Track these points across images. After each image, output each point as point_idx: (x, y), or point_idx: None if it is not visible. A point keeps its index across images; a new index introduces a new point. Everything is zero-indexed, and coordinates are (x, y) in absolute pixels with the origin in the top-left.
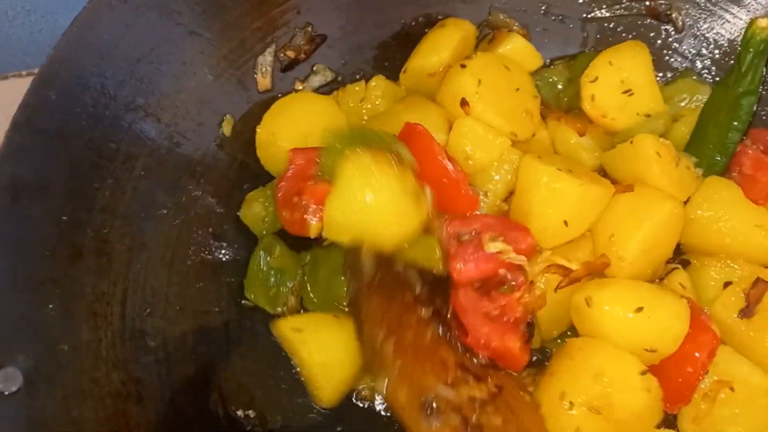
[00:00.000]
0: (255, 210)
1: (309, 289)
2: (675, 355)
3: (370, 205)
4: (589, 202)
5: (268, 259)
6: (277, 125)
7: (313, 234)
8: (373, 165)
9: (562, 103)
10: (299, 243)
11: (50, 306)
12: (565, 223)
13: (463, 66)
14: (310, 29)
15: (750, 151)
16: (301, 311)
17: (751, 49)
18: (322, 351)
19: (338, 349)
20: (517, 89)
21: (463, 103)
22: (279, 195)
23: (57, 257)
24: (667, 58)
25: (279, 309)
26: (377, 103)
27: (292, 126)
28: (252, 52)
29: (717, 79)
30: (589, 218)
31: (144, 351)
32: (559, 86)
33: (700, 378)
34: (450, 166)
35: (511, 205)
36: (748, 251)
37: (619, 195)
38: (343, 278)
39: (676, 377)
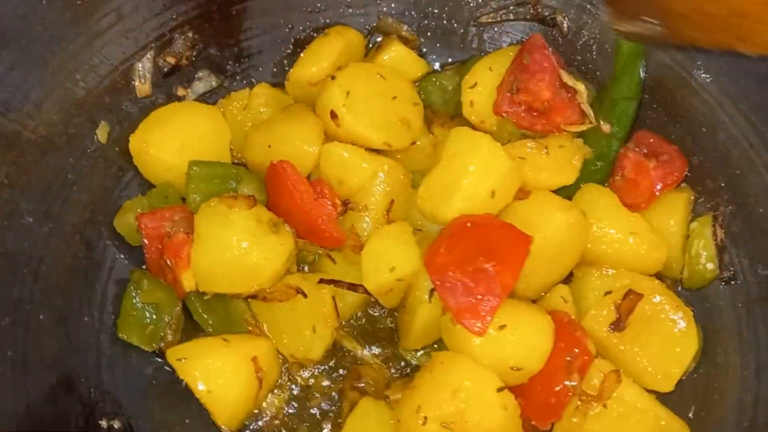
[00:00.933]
0: (129, 220)
1: (206, 317)
2: (544, 371)
3: (234, 249)
4: (515, 176)
5: (139, 295)
6: (152, 135)
7: (190, 289)
8: (227, 210)
9: (449, 109)
10: None
11: None
12: (493, 193)
13: (333, 78)
14: (191, 34)
15: (631, 155)
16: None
17: (623, 54)
18: (210, 379)
19: (226, 374)
20: (394, 97)
21: (333, 115)
22: (148, 265)
23: None
24: None
25: (155, 346)
26: (261, 111)
27: (169, 136)
28: (128, 58)
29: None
30: (511, 194)
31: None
32: (450, 89)
33: (571, 394)
34: (309, 204)
35: (429, 177)
36: (626, 260)
37: (515, 202)
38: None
39: (546, 393)
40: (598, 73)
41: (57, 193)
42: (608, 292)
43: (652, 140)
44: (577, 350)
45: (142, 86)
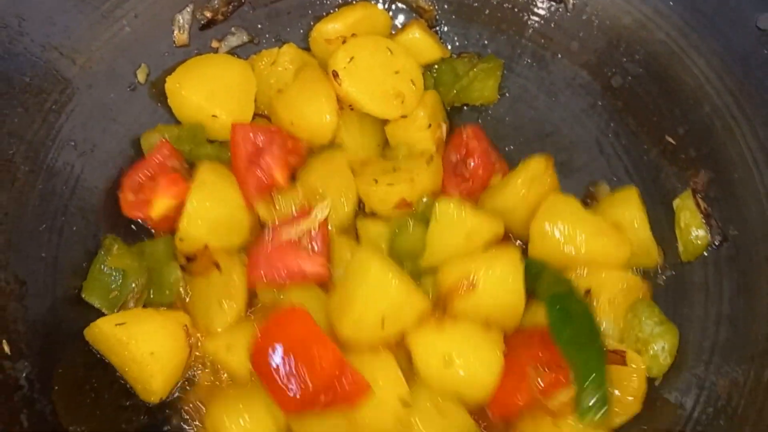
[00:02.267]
0: (154, 140)
1: (135, 263)
2: (506, 381)
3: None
4: (408, 309)
5: (107, 259)
6: (186, 78)
7: (154, 214)
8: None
9: (454, 96)
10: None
11: None
12: (382, 322)
13: (343, 41)
14: None
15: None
16: None
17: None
18: (150, 340)
19: (165, 338)
20: (396, 72)
21: (334, 74)
22: (127, 177)
23: None
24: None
25: (116, 311)
26: (287, 68)
27: (201, 81)
28: (171, 8)
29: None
30: (403, 324)
31: (33, 259)
32: (460, 75)
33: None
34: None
35: (333, 293)
36: (596, 258)
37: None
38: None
39: (507, 398)
40: (595, 49)
41: (97, 123)
42: (587, 291)
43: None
44: (547, 369)
45: (181, 36)
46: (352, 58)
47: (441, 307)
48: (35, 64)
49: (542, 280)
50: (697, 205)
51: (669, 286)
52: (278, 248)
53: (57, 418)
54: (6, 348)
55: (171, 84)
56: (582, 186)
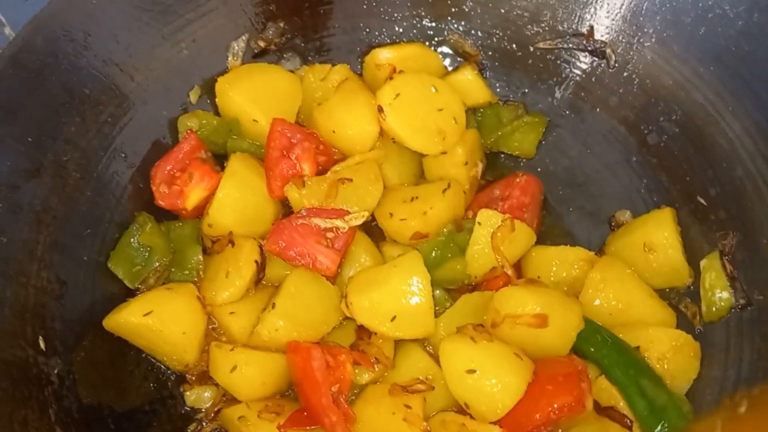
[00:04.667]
0: (190, 124)
1: (162, 241)
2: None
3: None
4: (417, 325)
5: (139, 234)
6: (236, 80)
7: (189, 205)
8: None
9: (494, 141)
10: None
11: (0, 205)
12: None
13: (390, 78)
14: (282, 24)
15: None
16: None
17: None
18: (180, 322)
19: (190, 315)
20: (440, 110)
21: (380, 109)
22: (158, 170)
23: (18, 169)
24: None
25: (137, 285)
26: (335, 85)
27: (250, 86)
28: (227, 35)
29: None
30: (405, 334)
31: (75, 261)
32: (503, 122)
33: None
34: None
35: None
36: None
37: None
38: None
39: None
40: (634, 106)
41: (148, 138)
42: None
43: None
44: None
45: (234, 62)
46: (398, 95)
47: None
48: (96, 78)
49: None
50: (724, 267)
51: None
52: (305, 227)
53: (83, 414)
54: (42, 344)
55: (221, 84)
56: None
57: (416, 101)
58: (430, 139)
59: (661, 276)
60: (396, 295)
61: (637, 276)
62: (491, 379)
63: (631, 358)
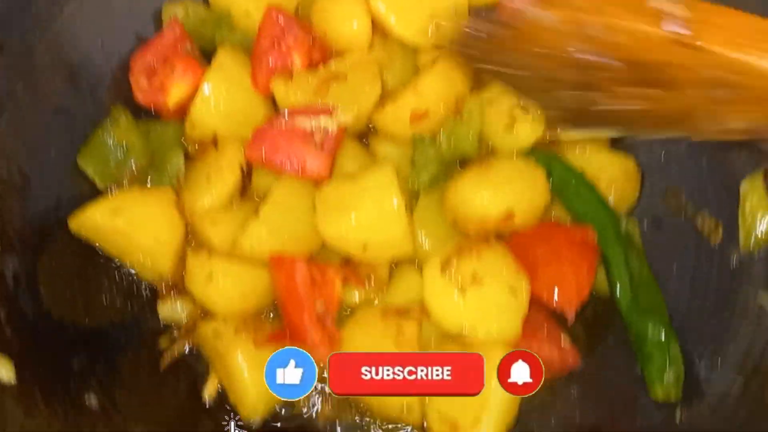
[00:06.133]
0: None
1: (140, 141)
2: None
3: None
4: (391, 248)
5: (113, 130)
6: None
7: (171, 102)
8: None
9: None
10: None
11: None
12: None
13: None
14: None
15: None
16: None
17: None
18: (151, 226)
19: (164, 220)
20: None
21: None
22: (138, 58)
23: None
24: None
25: (108, 184)
26: None
27: None
28: None
29: None
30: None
31: (41, 155)
32: None
33: None
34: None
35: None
36: None
37: None
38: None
39: None
40: None
41: (130, 28)
42: None
43: None
44: None
45: None
46: None
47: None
48: None
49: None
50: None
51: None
52: (289, 132)
53: (41, 316)
54: None
55: None
56: None
57: None
58: (421, 28)
59: None
60: (366, 224)
61: None
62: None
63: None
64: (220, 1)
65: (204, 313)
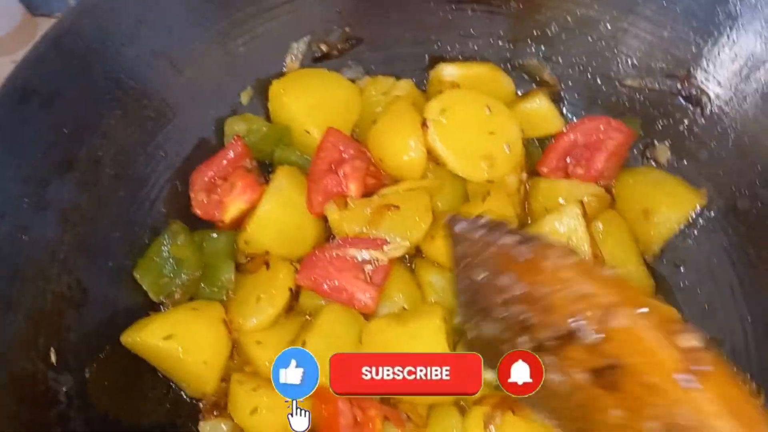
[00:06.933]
0: (237, 128)
1: (194, 255)
2: None
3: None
4: None
5: (170, 245)
6: (292, 86)
7: (228, 218)
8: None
9: None
10: None
11: (26, 200)
12: None
13: (440, 92)
14: (348, 30)
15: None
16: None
17: None
18: (202, 350)
19: (214, 341)
20: (491, 133)
21: (423, 123)
22: (199, 175)
23: (48, 160)
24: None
25: (161, 298)
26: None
27: (305, 93)
28: (288, 36)
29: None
30: None
31: (100, 267)
32: None
33: None
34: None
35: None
36: None
37: None
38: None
39: None
40: (725, 164)
41: (192, 138)
42: None
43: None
44: None
45: (292, 64)
46: (443, 110)
47: None
48: (143, 70)
49: None
50: None
51: None
52: (340, 260)
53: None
54: (53, 357)
55: (275, 87)
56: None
57: (465, 120)
58: (475, 164)
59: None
60: None
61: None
62: None
63: None
64: (281, 117)
65: None
